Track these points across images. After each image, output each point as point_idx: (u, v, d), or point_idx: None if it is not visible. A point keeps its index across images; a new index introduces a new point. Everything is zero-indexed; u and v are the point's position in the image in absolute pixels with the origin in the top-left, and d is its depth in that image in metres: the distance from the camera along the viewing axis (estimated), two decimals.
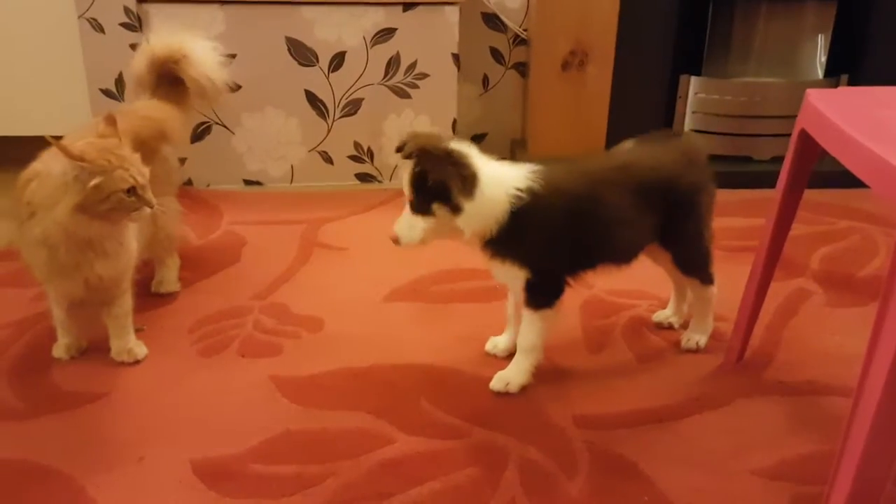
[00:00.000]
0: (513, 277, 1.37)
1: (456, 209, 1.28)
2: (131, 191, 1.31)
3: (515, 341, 1.45)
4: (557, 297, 1.39)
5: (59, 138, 1.30)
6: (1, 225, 1.94)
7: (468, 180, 1.28)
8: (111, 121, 1.36)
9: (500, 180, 1.31)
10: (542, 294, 1.39)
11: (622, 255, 1.45)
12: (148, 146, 1.61)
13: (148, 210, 1.35)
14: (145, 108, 1.68)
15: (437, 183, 1.27)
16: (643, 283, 1.81)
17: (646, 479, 1.21)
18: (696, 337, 1.56)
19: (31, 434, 1.30)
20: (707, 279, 1.53)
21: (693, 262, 1.51)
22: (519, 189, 1.31)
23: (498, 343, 1.55)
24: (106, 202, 1.30)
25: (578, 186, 1.36)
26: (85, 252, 1.36)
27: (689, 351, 1.55)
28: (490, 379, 1.44)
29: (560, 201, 1.33)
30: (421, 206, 1.30)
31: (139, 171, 1.33)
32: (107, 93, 2.30)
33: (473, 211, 1.29)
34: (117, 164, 1.30)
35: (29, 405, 1.37)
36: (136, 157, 1.35)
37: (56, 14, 2.35)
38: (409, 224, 1.32)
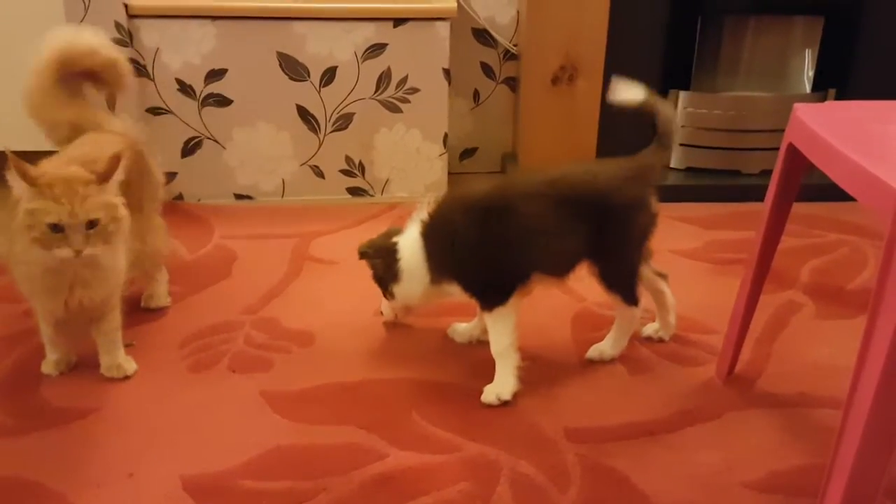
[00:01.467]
0: (460, 291, 1.48)
1: (392, 296, 1.57)
2: (56, 227, 1.24)
3: (476, 331, 1.63)
4: (507, 296, 1.44)
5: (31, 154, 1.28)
6: None
7: (390, 270, 1.53)
8: (115, 160, 1.31)
9: (411, 237, 1.52)
10: (489, 297, 1.46)
11: (552, 267, 1.47)
12: (137, 162, 1.60)
13: (68, 252, 1.26)
14: (110, 122, 1.66)
15: (377, 279, 1.59)
16: None
17: (638, 492, 1.21)
18: (604, 349, 1.57)
19: (21, 450, 1.29)
20: (630, 299, 1.51)
21: (617, 280, 1.50)
22: (420, 227, 1.50)
23: (457, 328, 1.66)
24: (33, 230, 1.25)
25: (487, 200, 1.45)
26: (60, 277, 1.33)
27: (591, 360, 1.57)
28: (481, 392, 1.44)
29: (459, 218, 1.46)
30: (384, 293, 1.60)
31: (80, 211, 1.24)
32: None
33: (404, 286, 1.54)
34: (59, 195, 1.23)
35: (18, 421, 1.36)
36: (97, 198, 1.27)
37: (46, 29, 2.34)
38: (384, 306, 1.68)
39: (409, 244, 1.51)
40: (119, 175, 1.32)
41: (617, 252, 1.47)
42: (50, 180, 1.25)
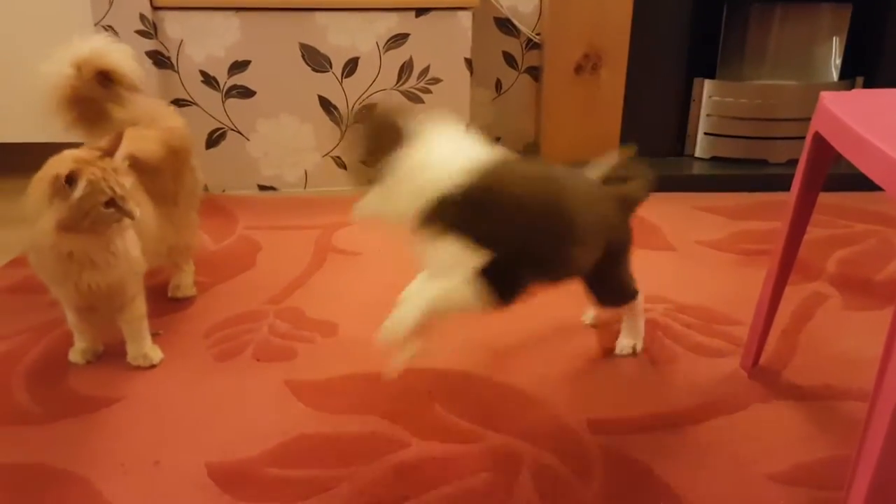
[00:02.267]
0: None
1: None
2: (110, 203, 1.31)
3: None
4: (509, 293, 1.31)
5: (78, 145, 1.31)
6: (18, 232, 1.96)
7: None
8: (118, 137, 1.36)
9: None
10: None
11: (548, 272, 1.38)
12: (178, 156, 1.62)
13: (128, 221, 1.35)
14: (166, 117, 1.68)
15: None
16: (659, 286, 1.80)
17: (661, 483, 1.20)
18: (624, 344, 1.56)
19: (48, 438, 1.31)
20: (627, 301, 1.51)
21: (610, 298, 1.51)
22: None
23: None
24: (87, 217, 1.30)
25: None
26: (68, 263, 1.36)
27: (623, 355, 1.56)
28: (504, 384, 1.44)
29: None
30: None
31: (117, 183, 1.32)
32: None
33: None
34: (100, 177, 1.30)
35: (46, 410, 1.38)
36: (120, 167, 1.34)
37: (73, 22, 2.37)
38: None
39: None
40: (122, 151, 1.36)
41: (609, 275, 1.44)
42: (84, 166, 1.30)
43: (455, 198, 1.21)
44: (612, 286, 1.47)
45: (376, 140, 1.25)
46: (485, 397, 1.42)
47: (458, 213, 1.22)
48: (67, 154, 1.34)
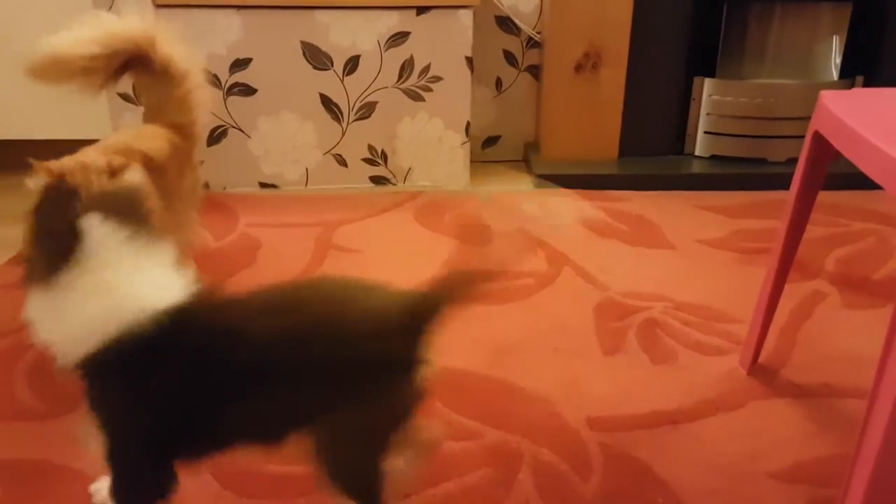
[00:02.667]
0: None
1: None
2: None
3: None
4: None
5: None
6: (19, 229, 1.96)
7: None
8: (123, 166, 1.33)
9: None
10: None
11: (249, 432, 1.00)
12: (183, 153, 1.62)
13: None
14: (175, 109, 1.67)
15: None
16: (658, 285, 1.81)
17: (660, 481, 1.21)
18: None
19: (51, 434, 1.31)
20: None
21: (347, 477, 1.00)
22: None
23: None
24: None
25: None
26: None
27: None
28: (504, 381, 1.44)
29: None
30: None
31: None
32: (125, 97, 2.32)
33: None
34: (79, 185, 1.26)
35: (48, 405, 1.39)
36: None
37: (75, 17, 2.37)
38: None
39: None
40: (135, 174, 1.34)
41: (354, 436, 0.97)
42: (70, 170, 1.28)
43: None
44: (352, 458, 0.98)
45: (42, 235, 0.93)
46: (484, 394, 1.42)
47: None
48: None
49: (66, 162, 1.31)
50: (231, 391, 0.92)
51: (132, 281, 0.91)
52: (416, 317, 0.96)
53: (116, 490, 0.98)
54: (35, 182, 0.95)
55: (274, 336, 0.91)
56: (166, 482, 0.98)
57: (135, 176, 1.30)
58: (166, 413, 0.92)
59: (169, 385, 0.91)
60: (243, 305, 0.96)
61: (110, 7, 2.21)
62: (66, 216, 0.91)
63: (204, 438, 0.96)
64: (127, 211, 0.94)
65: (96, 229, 0.91)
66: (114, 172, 1.23)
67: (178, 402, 0.92)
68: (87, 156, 1.34)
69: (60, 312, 0.91)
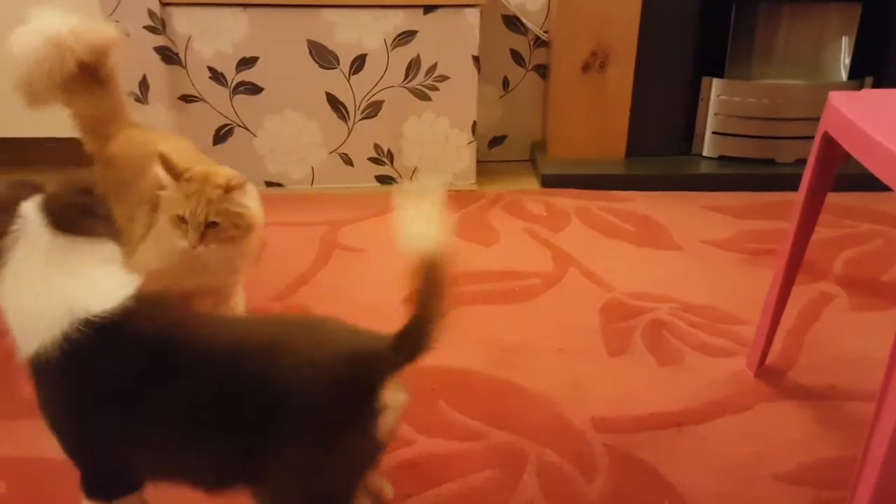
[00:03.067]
0: None
1: None
2: (181, 218, 1.30)
3: None
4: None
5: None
6: None
7: None
8: (241, 181, 1.36)
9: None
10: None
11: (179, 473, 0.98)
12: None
13: (184, 243, 1.31)
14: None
15: None
16: (665, 286, 1.80)
17: (666, 483, 1.20)
18: None
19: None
20: None
21: None
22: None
23: None
24: (167, 214, 1.32)
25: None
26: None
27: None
28: (509, 381, 1.44)
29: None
30: None
31: (201, 211, 1.30)
32: (131, 96, 2.32)
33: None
34: (190, 193, 1.30)
35: None
36: (220, 204, 1.31)
37: (81, 17, 2.37)
38: None
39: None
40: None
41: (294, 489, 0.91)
42: (190, 176, 1.31)
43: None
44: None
45: None
46: (489, 395, 1.42)
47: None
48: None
49: (195, 167, 1.34)
50: (156, 407, 0.88)
51: (69, 283, 0.89)
52: (366, 373, 0.90)
53: (82, 481, 0.97)
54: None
55: (205, 359, 0.89)
56: (128, 481, 0.97)
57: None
58: (101, 418, 0.91)
59: (97, 390, 0.90)
60: (187, 320, 0.94)
61: (116, 7, 2.21)
62: (9, 199, 0.90)
63: (139, 451, 0.93)
64: (76, 214, 0.92)
65: (31, 226, 0.89)
66: (230, 189, 1.28)
67: (109, 408, 0.90)
68: (211, 168, 1.37)
69: (7, 306, 0.90)
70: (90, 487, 0.98)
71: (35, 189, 0.92)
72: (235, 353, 0.90)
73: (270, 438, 0.86)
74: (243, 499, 0.93)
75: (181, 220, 1.31)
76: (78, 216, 0.91)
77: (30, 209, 0.90)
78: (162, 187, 1.34)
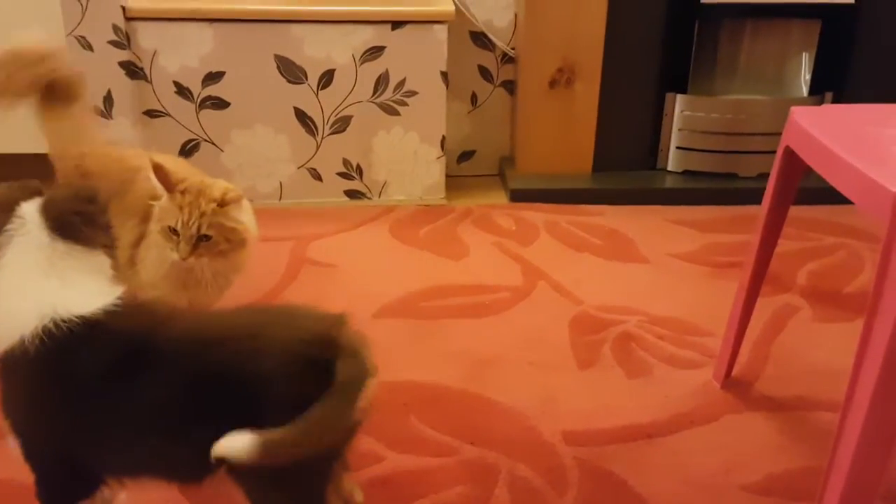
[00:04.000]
0: None
1: None
2: (173, 230, 1.30)
3: None
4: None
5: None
6: None
7: None
8: (238, 196, 1.37)
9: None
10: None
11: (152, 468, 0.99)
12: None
13: (176, 255, 1.31)
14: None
15: None
16: (632, 298, 1.81)
17: (636, 495, 1.21)
18: None
19: None
20: None
21: None
22: None
23: None
24: (160, 224, 1.32)
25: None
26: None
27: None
28: (480, 396, 1.44)
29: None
30: None
31: (193, 224, 1.29)
32: (95, 111, 2.30)
33: None
34: (183, 205, 1.29)
35: None
36: (213, 217, 1.31)
37: (45, 32, 2.35)
38: None
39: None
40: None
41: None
42: (185, 188, 1.31)
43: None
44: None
45: None
46: (461, 410, 1.42)
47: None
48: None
49: (190, 178, 1.33)
50: (132, 401, 0.89)
51: (52, 285, 0.90)
52: (327, 347, 0.93)
53: (37, 489, 0.97)
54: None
55: (181, 358, 0.90)
56: (87, 484, 0.97)
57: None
58: (70, 416, 0.91)
59: (68, 394, 0.90)
60: (164, 323, 0.94)
61: (80, 21, 2.18)
62: (9, 199, 0.91)
63: (110, 448, 0.94)
64: (77, 221, 0.93)
65: (28, 227, 0.90)
66: (224, 203, 1.26)
67: (80, 405, 0.90)
68: (207, 181, 1.35)
69: None
70: (46, 494, 0.97)
71: (35, 192, 0.93)
72: (210, 341, 0.91)
73: (249, 421, 0.85)
74: (239, 499, 0.92)
75: (173, 232, 1.30)
76: (78, 224, 0.92)
77: (29, 210, 0.91)
78: (155, 198, 1.32)
